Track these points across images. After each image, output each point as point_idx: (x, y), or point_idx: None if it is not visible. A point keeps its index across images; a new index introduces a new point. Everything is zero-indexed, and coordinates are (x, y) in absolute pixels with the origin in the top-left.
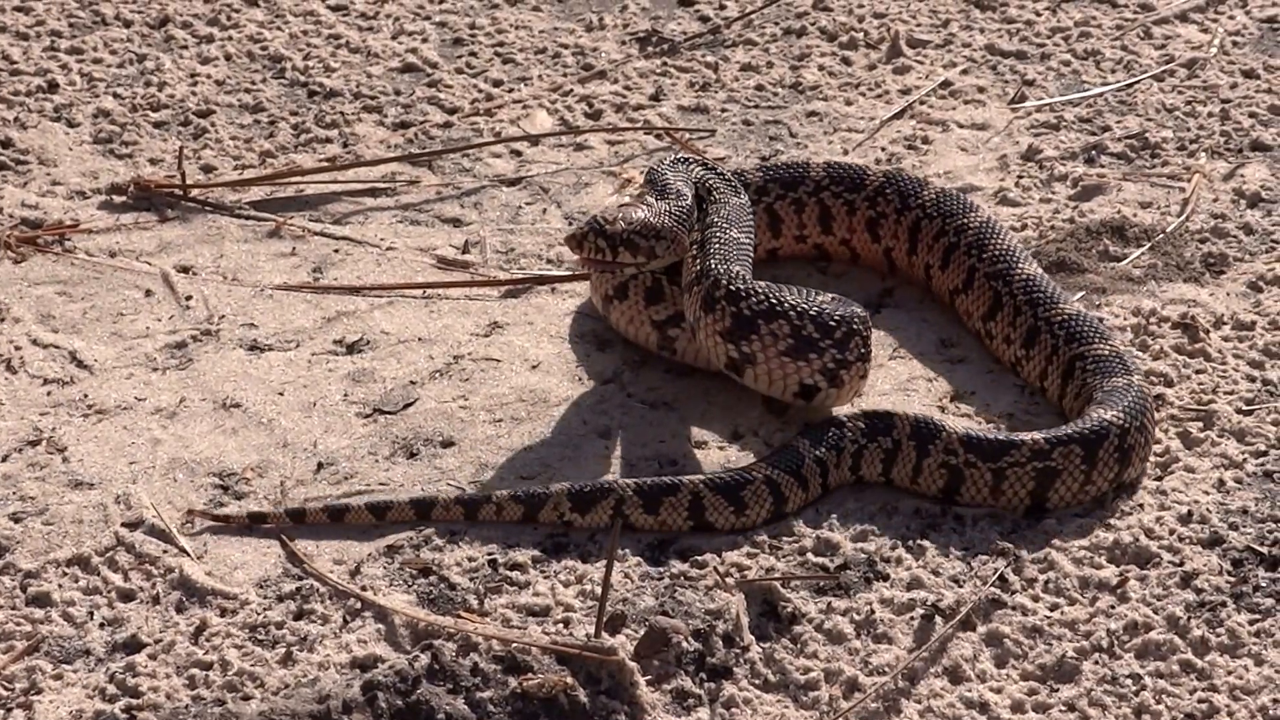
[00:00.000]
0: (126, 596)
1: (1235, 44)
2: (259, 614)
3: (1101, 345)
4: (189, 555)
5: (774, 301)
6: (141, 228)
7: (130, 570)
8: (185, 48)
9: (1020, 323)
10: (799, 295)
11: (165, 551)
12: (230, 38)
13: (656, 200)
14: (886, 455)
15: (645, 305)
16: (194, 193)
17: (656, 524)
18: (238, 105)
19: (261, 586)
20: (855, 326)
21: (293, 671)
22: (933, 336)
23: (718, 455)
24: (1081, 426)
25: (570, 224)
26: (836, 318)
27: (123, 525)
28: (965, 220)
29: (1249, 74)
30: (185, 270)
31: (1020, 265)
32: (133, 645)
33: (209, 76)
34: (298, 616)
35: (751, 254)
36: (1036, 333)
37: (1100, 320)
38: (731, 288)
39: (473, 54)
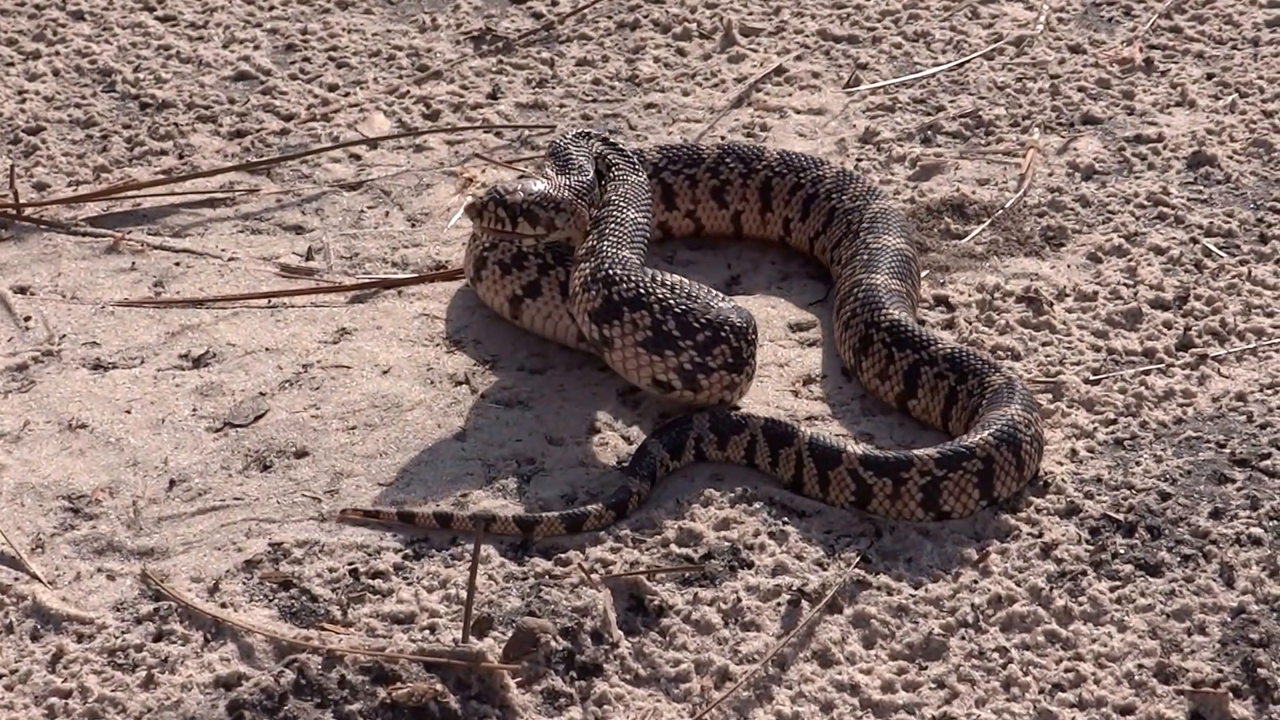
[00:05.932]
0: None
1: (1061, 20)
2: (117, 638)
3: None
4: (41, 582)
5: (643, 291)
6: None
7: None
8: (11, 65)
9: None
10: (681, 290)
11: (17, 579)
12: (58, 53)
13: (557, 174)
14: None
15: (561, 301)
16: (28, 211)
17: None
18: (69, 121)
19: (118, 609)
20: (724, 334)
21: (155, 695)
22: (781, 321)
23: (576, 451)
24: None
25: (414, 226)
26: (704, 320)
27: None
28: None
29: (1076, 49)
30: (23, 291)
31: (875, 202)
32: None
33: (38, 93)
34: (157, 638)
35: (648, 235)
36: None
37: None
38: (610, 271)
39: (306, 59)
